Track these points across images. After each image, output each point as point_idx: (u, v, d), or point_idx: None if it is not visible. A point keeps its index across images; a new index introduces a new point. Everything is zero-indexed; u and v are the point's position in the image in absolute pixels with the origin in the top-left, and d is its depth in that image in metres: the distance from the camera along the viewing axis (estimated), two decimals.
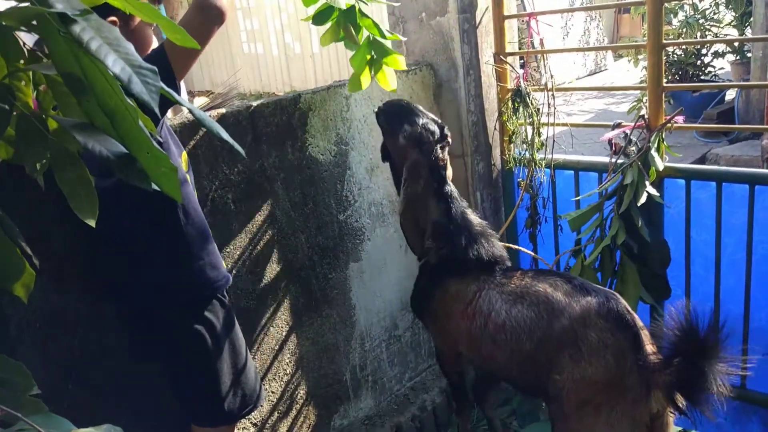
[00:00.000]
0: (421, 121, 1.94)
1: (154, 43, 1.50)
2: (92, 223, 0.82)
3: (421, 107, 2.02)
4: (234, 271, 1.88)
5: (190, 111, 0.92)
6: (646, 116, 2.26)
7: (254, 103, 1.97)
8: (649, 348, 1.60)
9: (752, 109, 6.06)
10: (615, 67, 11.16)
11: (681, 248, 2.25)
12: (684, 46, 6.77)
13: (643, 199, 2.11)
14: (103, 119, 0.79)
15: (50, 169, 0.85)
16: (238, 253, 1.90)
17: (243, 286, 1.93)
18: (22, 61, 0.83)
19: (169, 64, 1.37)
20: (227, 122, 1.87)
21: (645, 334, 1.64)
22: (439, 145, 1.94)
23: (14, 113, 0.83)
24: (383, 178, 2.34)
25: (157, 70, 0.72)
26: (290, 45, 10.89)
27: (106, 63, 0.71)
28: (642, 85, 2.36)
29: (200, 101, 3.75)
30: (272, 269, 2.00)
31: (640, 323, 1.67)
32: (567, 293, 1.71)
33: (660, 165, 2.17)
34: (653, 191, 2.14)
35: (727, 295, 2.21)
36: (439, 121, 2.01)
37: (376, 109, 2.17)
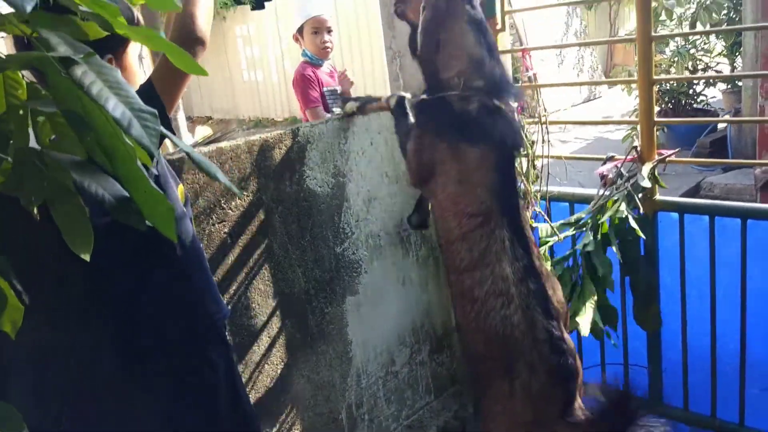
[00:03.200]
0: None
1: (141, 77, 1.53)
2: (87, 257, 0.83)
3: None
4: (230, 307, 1.87)
5: (189, 155, 0.93)
6: (638, 149, 2.29)
7: (253, 138, 1.99)
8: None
9: (744, 138, 6.14)
10: (609, 94, 11.26)
11: (676, 281, 2.27)
12: (676, 74, 6.87)
13: (619, 211, 2.13)
14: (101, 157, 0.81)
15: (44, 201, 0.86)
16: (234, 288, 1.90)
17: (238, 321, 1.93)
18: (20, 91, 0.84)
19: (160, 98, 1.40)
20: (226, 156, 1.89)
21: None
22: None
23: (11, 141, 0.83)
24: (380, 210, 2.35)
25: (156, 113, 0.74)
26: (289, 72, 10.99)
27: (106, 107, 0.73)
28: (634, 119, 2.40)
29: (202, 130, 3.77)
30: (268, 304, 2.00)
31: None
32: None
33: (647, 183, 2.17)
34: (633, 223, 2.14)
35: (723, 328, 2.22)
36: None
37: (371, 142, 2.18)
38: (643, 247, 2.27)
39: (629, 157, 2.29)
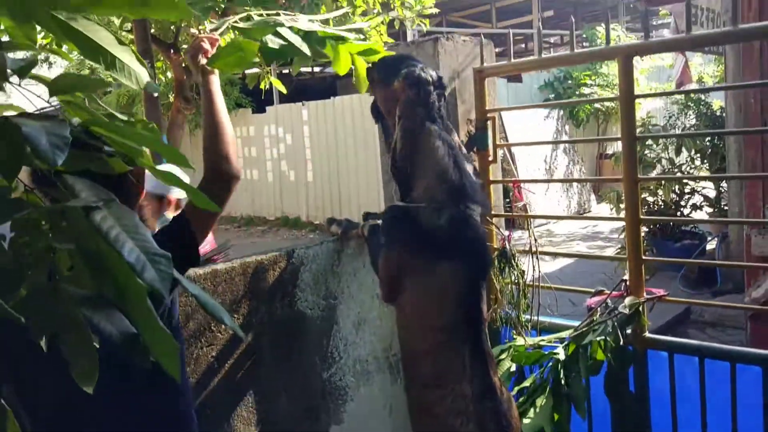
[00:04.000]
0: (418, 65, 1.85)
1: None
2: (90, 390, 0.82)
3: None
4: None
5: (196, 297, 0.95)
6: (627, 283, 2.32)
7: (249, 259, 2.01)
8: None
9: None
10: (598, 210, 11.53)
11: (668, 421, 2.22)
12: (663, 198, 7.08)
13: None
14: (112, 292, 0.82)
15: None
16: (217, 414, 1.85)
17: None
18: (44, 223, 0.87)
19: (192, 230, 1.46)
20: (220, 279, 1.90)
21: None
22: (436, 92, 1.83)
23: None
24: (369, 333, 2.34)
25: (170, 256, 0.76)
26: (285, 173, 11.30)
27: (122, 252, 0.76)
28: (622, 256, 2.46)
29: None
30: None
31: None
32: None
33: (626, 310, 2.17)
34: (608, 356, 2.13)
35: None
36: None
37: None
38: (633, 384, 2.25)
39: (618, 292, 2.31)
